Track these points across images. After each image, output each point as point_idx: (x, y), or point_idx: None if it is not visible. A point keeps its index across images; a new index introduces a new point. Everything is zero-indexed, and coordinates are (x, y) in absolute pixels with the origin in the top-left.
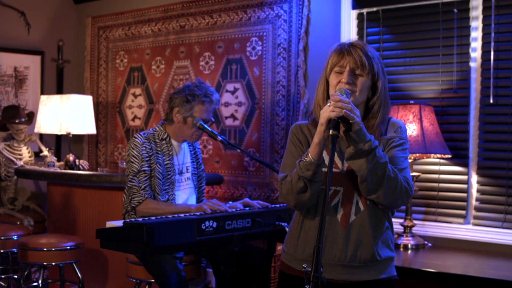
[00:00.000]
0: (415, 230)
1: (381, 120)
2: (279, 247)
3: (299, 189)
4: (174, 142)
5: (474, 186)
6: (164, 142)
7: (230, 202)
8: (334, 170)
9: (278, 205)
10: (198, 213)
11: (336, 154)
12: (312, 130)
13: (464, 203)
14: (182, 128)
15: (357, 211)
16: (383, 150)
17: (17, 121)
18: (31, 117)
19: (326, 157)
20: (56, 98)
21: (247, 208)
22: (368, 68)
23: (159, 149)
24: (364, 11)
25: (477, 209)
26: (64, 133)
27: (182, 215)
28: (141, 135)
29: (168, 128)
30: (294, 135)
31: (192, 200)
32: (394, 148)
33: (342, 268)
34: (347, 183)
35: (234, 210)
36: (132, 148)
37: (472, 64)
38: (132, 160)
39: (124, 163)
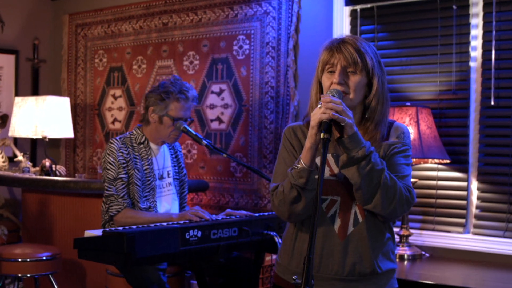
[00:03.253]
0: (411, 239)
1: (380, 119)
2: (268, 258)
3: (292, 199)
4: (152, 145)
5: (474, 193)
6: (142, 146)
7: (213, 216)
8: (330, 177)
9: (266, 213)
10: (182, 222)
11: (333, 160)
12: (306, 132)
13: (463, 211)
14: (159, 128)
15: (355, 222)
16: (384, 155)
17: None
18: (4, 120)
19: (319, 163)
20: (31, 99)
21: (232, 217)
22: (361, 65)
23: (136, 153)
24: (358, 7)
25: (477, 217)
26: (39, 137)
27: (165, 223)
28: (117, 140)
29: (145, 130)
30: (287, 138)
31: (175, 207)
32: (396, 155)
33: (340, 282)
34: (344, 192)
35: (219, 218)
36: (108, 155)
37: (472, 64)
38: (108, 167)
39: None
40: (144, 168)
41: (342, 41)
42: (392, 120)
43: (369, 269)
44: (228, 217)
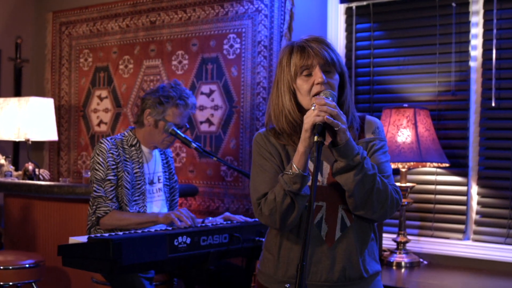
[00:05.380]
0: (409, 246)
1: (353, 119)
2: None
3: (286, 206)
4: (144, 149)
5: (474, 198)
6: (133, 148)
7: (210, 218)
8: None
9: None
10: (170, 228)
11: (313, 165)
12: (276, 138)
13: (463, 217)
14: (153, 132)
15: (343, 227)
16: None
17: None
18: None
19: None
20: (13, 101)
21: (228, 222)
22: (337, 64)
23: (127, 156)
24: (353, 5)
25: (477, 223)
26: (22, 139)
27: (153, 229)
28: (108, 140)
29: (138, 132)
30: (261, 146)
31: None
32: (376, 153)
33: None
34: (330, 197)
35: (210, 224)
36: (97, 155)
37: (472, 64)
38: (97, 168)
39: (89, 173)
40: (135, 171)
41: (312, 41)
42: (361, 113)
43: (358, 273)
44: (226, 222)
